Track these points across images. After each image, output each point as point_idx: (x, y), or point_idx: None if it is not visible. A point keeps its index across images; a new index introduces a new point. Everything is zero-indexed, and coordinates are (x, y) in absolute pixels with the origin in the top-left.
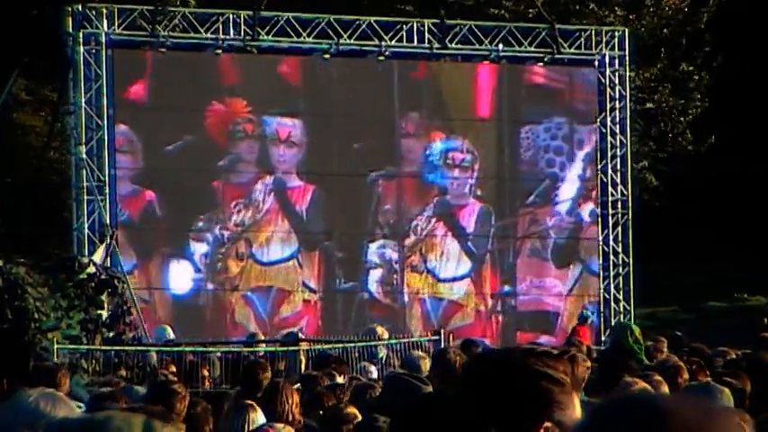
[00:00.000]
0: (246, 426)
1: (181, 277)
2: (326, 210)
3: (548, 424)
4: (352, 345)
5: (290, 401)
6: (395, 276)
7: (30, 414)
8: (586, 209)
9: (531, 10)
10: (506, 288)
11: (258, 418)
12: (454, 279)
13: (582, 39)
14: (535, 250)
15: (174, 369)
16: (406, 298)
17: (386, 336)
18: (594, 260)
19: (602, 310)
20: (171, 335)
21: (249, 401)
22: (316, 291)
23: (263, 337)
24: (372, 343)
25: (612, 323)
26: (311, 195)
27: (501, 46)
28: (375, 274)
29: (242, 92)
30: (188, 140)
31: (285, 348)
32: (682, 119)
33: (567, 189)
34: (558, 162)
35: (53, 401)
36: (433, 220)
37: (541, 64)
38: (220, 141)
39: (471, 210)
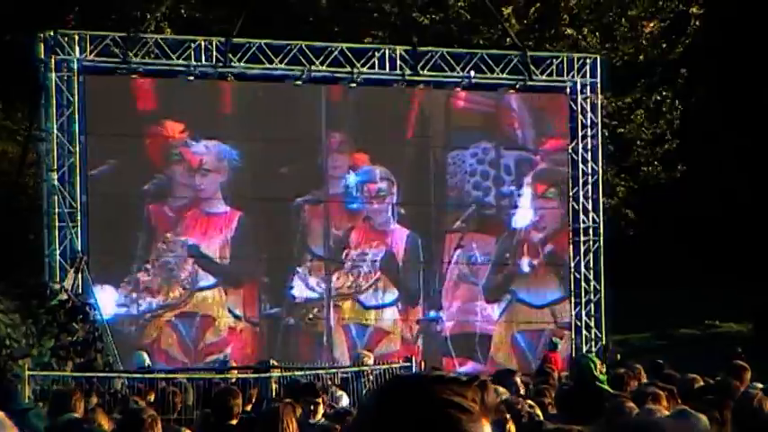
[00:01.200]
0: None
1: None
2: (253, 236)
3: None
4: (323, 371)
5: (290, 427)
6: (321, 303)
7: None
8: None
9: (506, 37)
10: (432, 313)
11: None
12: (381, 306)
13: (554, 65)
14: (462, 276)
15: (152, 397)
16: (332, 324)
17: (370, 362)
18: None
19: (572, 336)
20: (147, 361)
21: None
22: (241, 317)
23: (234, 364)
24: (345, 368)
25: (584, 350)
26: (237, 221)
27: (473, 73)
28: (300, 301)
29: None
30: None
31: (257, 375)
32: (656, 149)
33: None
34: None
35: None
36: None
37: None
38: (155, 163)
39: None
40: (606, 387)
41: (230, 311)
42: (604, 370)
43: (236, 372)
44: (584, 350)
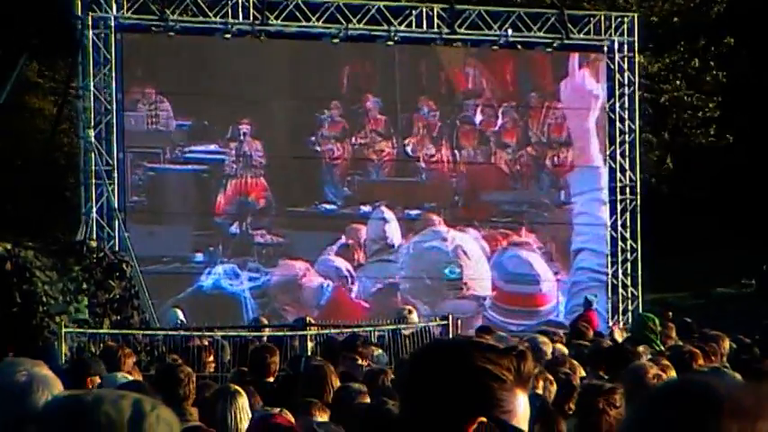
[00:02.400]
0: (231, 412)
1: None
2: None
3: (482, 419)
4: (360, 329)
5: (334, 385)
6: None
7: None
8: None
9: None
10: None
11: (244, 403)
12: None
13: (591, 24)
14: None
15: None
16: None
17: (414, 317)
18: None
19: (609, 296)
20: (181, 317)
21: (236, 387)
22: None
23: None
24: (381, 326)
25: (620, 308)
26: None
27: (510, 31)
28: None
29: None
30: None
31: (293, 333)
32: (698, 114)
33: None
34: None
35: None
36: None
37: (550, 49)
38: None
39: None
40: (658, 345)
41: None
42: (657, 329)
43: (270, 329)
44: (621, 309)
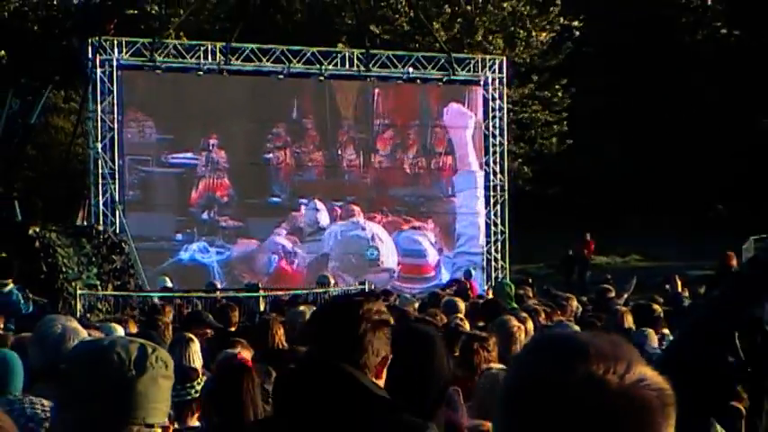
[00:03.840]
0: (186, 354)
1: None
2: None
3: (385, 354)
4: (302, 292)
5: (278, 333)
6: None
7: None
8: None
9: (435, 43)
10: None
11: (197, 347)
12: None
13: (471, 64)
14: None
15: (170, 311)
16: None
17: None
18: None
19: (485, 267)
20: (168, 283)
21: (189, 335)
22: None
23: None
24: (316, 290)
25: (493, 277)
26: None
27: (411, 69)
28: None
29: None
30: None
31: (249, 294)
32: (550, 129)
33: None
34: None
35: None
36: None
37: (440, 83)
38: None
39: None
40: (514, 305)
41: None
42: (512, 293)
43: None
44: (494, 277)
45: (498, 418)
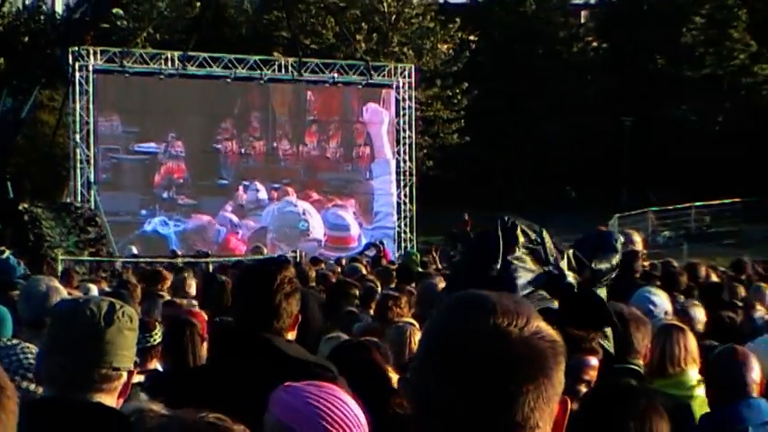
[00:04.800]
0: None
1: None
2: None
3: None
4: (243, 258)
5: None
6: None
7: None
8: None
9: (357, 53)
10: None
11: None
12: None
13: (385, 71)
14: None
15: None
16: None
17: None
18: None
19: (396, 239)
20: (135, 251)
21: (160, 292)
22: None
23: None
24: (257, 256)
25: (403, 247)
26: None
27: (336, 75)
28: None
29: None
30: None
31: (202, 259)
32: (450, 125)
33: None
34: None
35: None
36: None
37: (360, 86)
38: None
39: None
40: (419, 269)
41: None
42: (417, 260)
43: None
44: (404, 248)
45: (419, 365)
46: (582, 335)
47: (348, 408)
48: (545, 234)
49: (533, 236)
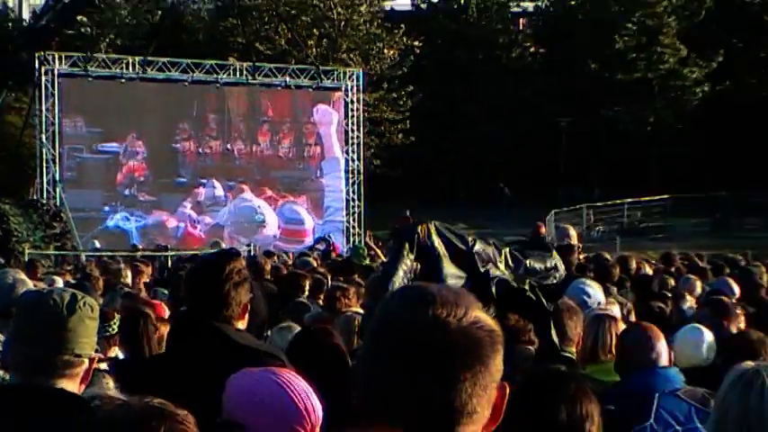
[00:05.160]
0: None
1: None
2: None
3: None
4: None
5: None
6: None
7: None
8: None
9: (308, 59)
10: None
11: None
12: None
13: (334, 75)
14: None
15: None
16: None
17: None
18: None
19: (344, 233)
20: (97, 245)
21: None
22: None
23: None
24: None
25: (352, 241)
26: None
27: (288, 78)
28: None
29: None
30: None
31: (161, 253)
32: (396, 126)
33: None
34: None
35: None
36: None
37: (311, 89)
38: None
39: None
40: (367, 262)
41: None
42: (364, 253)
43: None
44: (352, 242)
45: (365, 354)
46: (521, 326)
47: (307, 386)
48: (476, 242)
49: (460, 244)
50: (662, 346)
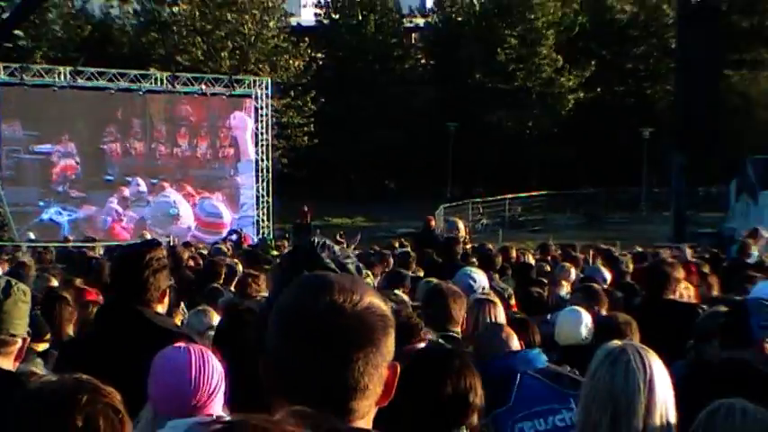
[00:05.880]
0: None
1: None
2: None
3: (166, 289)
4: (126, 243)
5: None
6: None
7: None
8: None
9: (222, 69)
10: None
11: (54, 282)
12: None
13: (246, 83)
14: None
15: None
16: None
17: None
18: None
19: (254, 226)
20: (33, 236)
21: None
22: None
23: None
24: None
25: (261, 233)
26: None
27: (204, 86)
28: None
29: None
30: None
31: (91, 244)
32: (302, 129)
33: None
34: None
35: None
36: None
37: (225, 97)
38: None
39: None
40: (273, 252)
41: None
42: (272, 245)
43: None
44: (261, 234)
45: (270, 337)
46: (416, 324)
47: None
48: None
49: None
50: (514, 340)
